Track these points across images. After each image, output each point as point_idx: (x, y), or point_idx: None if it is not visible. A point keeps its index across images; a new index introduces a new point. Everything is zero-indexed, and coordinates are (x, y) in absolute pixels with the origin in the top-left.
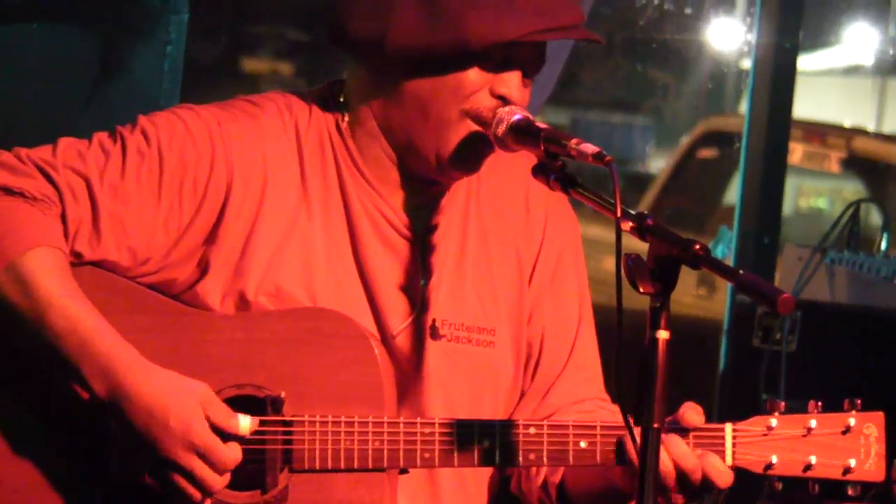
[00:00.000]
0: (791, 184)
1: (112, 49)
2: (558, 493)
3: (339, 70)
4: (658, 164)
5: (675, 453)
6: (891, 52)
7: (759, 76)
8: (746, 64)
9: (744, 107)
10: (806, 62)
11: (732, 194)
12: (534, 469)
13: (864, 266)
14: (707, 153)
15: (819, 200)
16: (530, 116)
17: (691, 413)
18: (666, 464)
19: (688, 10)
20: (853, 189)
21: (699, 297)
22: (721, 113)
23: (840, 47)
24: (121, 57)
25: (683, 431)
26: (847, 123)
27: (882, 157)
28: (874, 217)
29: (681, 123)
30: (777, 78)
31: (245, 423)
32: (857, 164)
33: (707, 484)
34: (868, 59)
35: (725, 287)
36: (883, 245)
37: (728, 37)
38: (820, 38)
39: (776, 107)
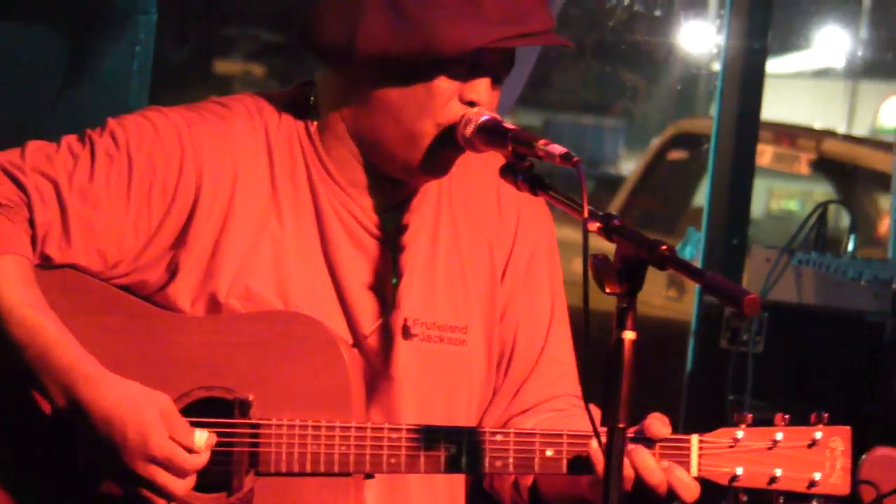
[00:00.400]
0: (762, 186)
1: (80, 49)
2: (530, 494)
3: (313, 72)
4: (629, 165)
5: (642, 467)
6: (860, 54)
7: (727, 78)
8: (717, 66)
9: (714, 109)
10: (777, 65)
11: (702, 196)
12: None
13: (831, 267)
14: (677, 155)
15: (790, 202)
16: (498, 117)
17: (657, 424)
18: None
19: (658, 13)
20: (824, 191)
21: (669, 299)
22: (692, 115)
23: (811, 50)
24: (89, 57)
25: (650, 442)
26: (818, 125)
27: (851, 159)
28: (844, 219)
29: (651, 125)
30: (746, 80)
31: (202, 440)
32: (826, 166)
33: (672, 497)
34: (839, 62)
35: (695, 289)
36: (850, 246)
37: (699, 39)
38: (791, 41)
39: (744, 109)
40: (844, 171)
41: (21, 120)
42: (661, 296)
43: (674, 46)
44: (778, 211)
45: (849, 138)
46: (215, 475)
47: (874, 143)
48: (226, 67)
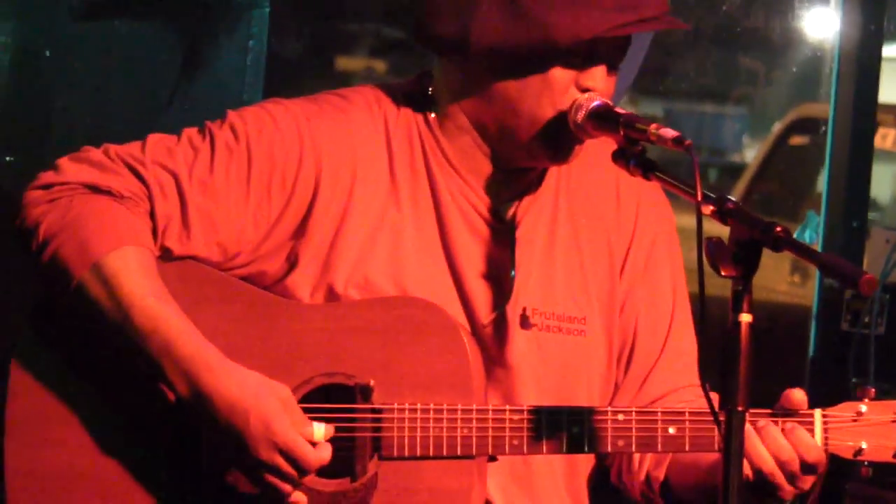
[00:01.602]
0: (888, 170)
1: (195, 45)
2: (662, 489)
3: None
4: (751, 153)
5: (772, 446)
6: None
7: (843, 62)
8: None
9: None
10: (891, 50)
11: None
12: (636, 462)
13: None
14: (799, 140)
15: None
16: (609, 102)
17: (797, 393)
18: (768, 463)
19: None
20: None
21: (793, 285)
22: (813, 100)
23: None
24: (203, 52)
25: (774, 416)
26: None
27: None
28: None
29: (773, 111)
30: (862, 63)
31: (320, 432)
32: None
33: (805, 466)
34: None
35: (816, 273)
36: None
37: (819, 23)
38: None
39: (861, 92)
40: None
41: (138, 115)
42: (785, 281)
43: (793, 30)
44: None
45: None
46: (339, 461)
47: None
48: (347, 64)
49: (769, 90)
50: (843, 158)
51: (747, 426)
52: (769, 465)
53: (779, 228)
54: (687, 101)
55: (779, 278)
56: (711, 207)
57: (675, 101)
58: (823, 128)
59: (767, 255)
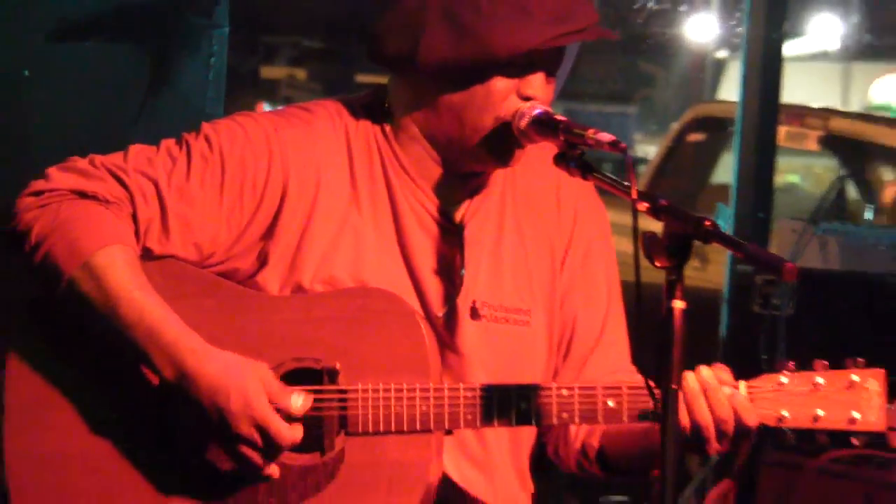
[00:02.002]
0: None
1: (161, 63)
2: (597, 457)
3: (349, 74)
4: (648, 149)
5: (713, 400)
6: (852, 38)
7: (749, 65)
8: (721, 54)
9: (723, 93)
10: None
11: (720, 174)
12: (572, 434)
13: (851, 235)
14: (696, 137)
15: (792, 177)
16: (549, 110)
17: (720, 371)
18: (706, 417)
19: (667, 6)
20: (822, 165)
21: (695, 269)
22: (703, 101)
23: (807, 36)
24: (169, 71)
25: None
26: (816, 106)
27: (858, 135)
28: (851, 191)
29: (667, 112)
30: (766, 66)
31: (298, 402)
32: (833, 142)
33: (740, 429)
34: (833, 46)
35: (718, 259)
36: (867, 215)
37: (705, 30)
38: (789, 28)
39: (765, 92)
40: (852, 146)
41: (109, 130)
42: (688, 267)
43: (682, 38)
44: (782, 185)
45: (854, 115)
46: (309, 437)
47: (878, 118)
48: (271, 73)
49: (665, 92)
50: (750, 154)
51: (692, 384)
52: (706, 419)
53: (707, 223)
54: (592, 102)
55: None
56: (646, 205)
57: (574, 103)
58: (724, 126)
59: None
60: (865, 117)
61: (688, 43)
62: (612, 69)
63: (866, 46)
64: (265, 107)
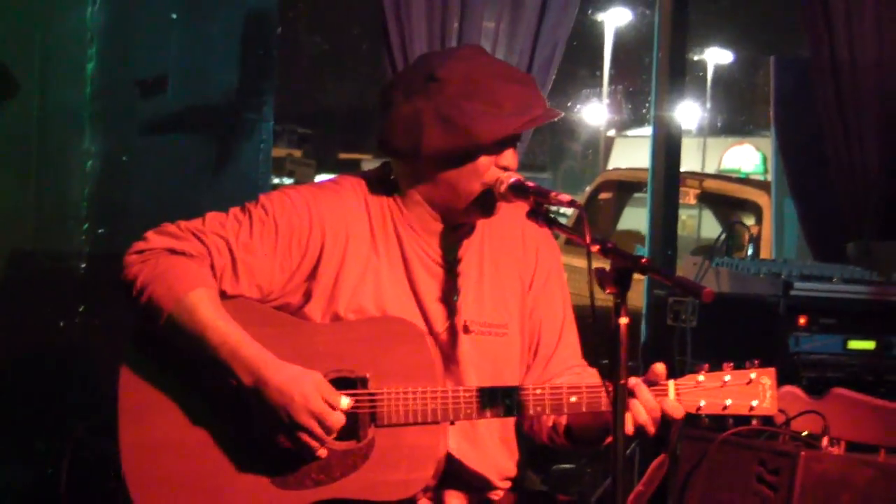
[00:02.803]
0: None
1: (224, 148)
2: (565, 432)
3: (334, 153)
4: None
5: (644, 400)
6: (706, 119)
7: (658, 140)
8: (610, 133)
9: (611, 164)
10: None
11: (625, 221)
12: (544, 416)
13: (738, 266)
14: (605, 196)
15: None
16: (522, 178)
17: (659, 367)
18: (641, 414)
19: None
20: (693, 213)
21: (608, 294)
22: (612, 169)
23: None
24: (230, 154)
25: (649, 384)
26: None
27: (724, 192)
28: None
29: (574, 177)
30: (669, 141)
31: (345, 402)
32: (707, 198)
33: (666, 418)
34: (692, 125)
35: (636, 287)
36: (749, 251)
37: (597, 115)
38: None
39: (669, 160)
40: (720, 200)
41: (184, 200)
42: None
43: (580, 122)
44: None
45: (720, 177)
46: (348, 430)
47: (736, 179)
48: (277, 153)
49: (571, 162)
50: (659, 208)
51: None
52: (643, 417)
53: (644, 260)
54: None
55: (598, 292)
56: (597, 247)
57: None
58: (629, 188)
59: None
60: (727, 178)
61: (584, 125)
62: (535, 145)
63: (715, 126)
64: (273, 179)
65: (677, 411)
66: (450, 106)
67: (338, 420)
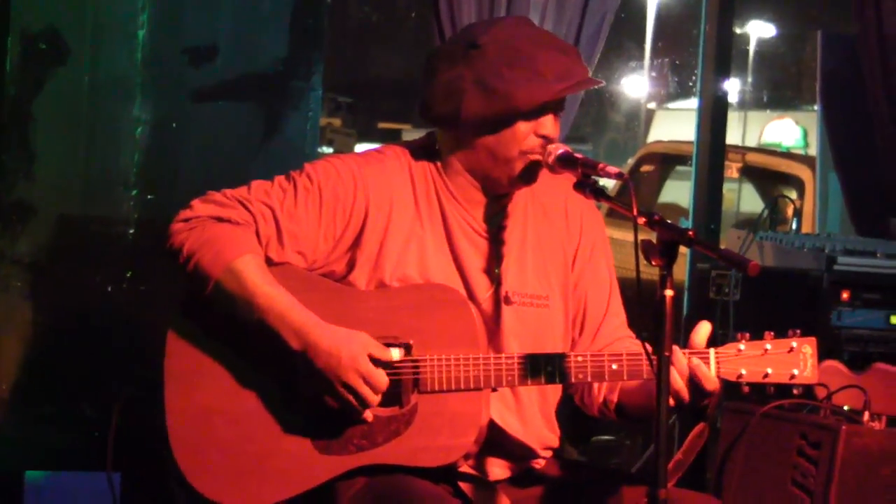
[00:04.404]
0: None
1: (272, 117)
2: (616, 409)
3: (373, 123)
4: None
5: (678, 366)
6: (747, 93)
7: (704, 112)
8: (651, 105)
9: (651, 137)
10: (695, 103)
11: (666, 195)
12: (595, 390)
13: (782, 241)
14: (647, 168)
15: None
16: (570, 149)
17: (704, 327)
18: (677, 380)
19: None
20: (733, 187)
21: (653, 267)
22: (655, 142)
23: None
24: (278, 122)
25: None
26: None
27: (766, 165)
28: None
29: (613, 150)
30: (715, 113)
31: (395, 353)
32: (749, 172)
33: (696, 384)
34: (734, 98)
35: (679, 260)
36: (794, 225)
37: (638, 88)
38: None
39: (716, 134)
40: (762, 174)
41: (235, 168)
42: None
43: (621, 93)
44: None
45: (762, 150)
46: (392, 395)
47: (778, 153)
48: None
49: (614, 135)
50: (704, 181)
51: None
52: (678, 384)
53: (690, 232)
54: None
55: (644, 264)
56: (643, 219)
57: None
58: (669, 161)
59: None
60: (770, 152)
61: (625, 97)
62: (578, 117)
63: (757, 99)
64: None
65: (708, 380)
66: (489, 72)
67: (384, 380)
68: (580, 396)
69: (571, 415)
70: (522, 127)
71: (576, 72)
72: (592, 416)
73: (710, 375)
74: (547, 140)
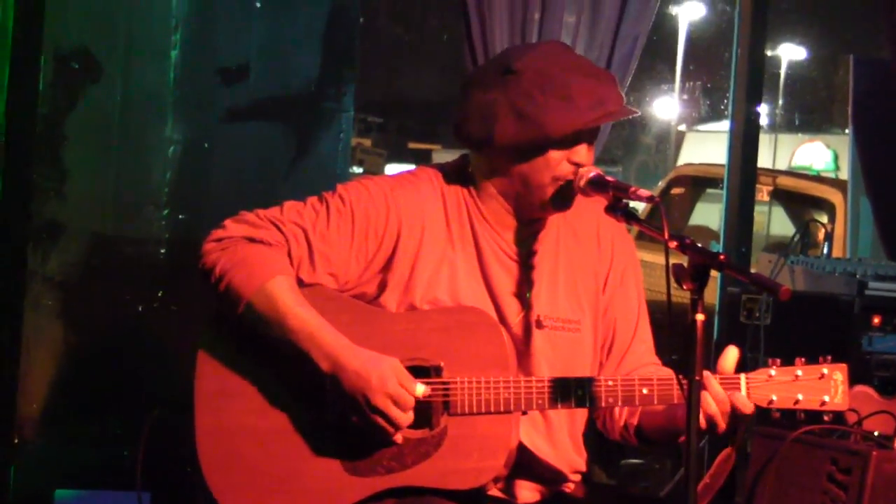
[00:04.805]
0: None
1: (304, 137)
2: (636, 432)
3: (403, 143)
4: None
5: (714, 392)
6: (779, 116)
7: (735, 135)
8: (681, 127)
9: (681, 160)
10: (725, 125)
11: (696, 217)
12: (616, 413)
13: (813, 265)
14: (678, 191)
15: None
16: (602, 172)
17: (732, 353)
18: (711, 406)
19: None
20: (763, 210)
21: (684, 291)
22: (685, 164)
23: None
24: (309, 143)
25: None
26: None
27: (797, 189)
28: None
29: (644, 173)
30: (746, 136)
31: (420, 389)
32: (779, 195)
33: (735, 413)
34: (764, 121)
35: (710, 284)
36: (825, 250)
37: (669, 110)
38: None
39: (747, 157)
40: (793, 197)
41: (267, 188)
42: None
43: (651, 116)
44: None
45: (793, 174)
46: (422, 417)
47: (809, 176)
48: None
49: (641, 157)
50: (735, 204)
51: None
52: (713, 409)
53: (722, 257)
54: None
55: (674, 286)
56: (675, 243)
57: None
58: (699, 184)
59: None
60: (801, 175)
61: (655, 119)
62: (610, 140)
63: (788, 122)
64: None
65: (746, 407)
66: (524, 98)
67: (411, 402)
68: (602, 421)
69: (599, 438)
70: (555, 154)
71: (610, 100)
72: (614, 440)
73: (748, 402)
74: (580, 167)
